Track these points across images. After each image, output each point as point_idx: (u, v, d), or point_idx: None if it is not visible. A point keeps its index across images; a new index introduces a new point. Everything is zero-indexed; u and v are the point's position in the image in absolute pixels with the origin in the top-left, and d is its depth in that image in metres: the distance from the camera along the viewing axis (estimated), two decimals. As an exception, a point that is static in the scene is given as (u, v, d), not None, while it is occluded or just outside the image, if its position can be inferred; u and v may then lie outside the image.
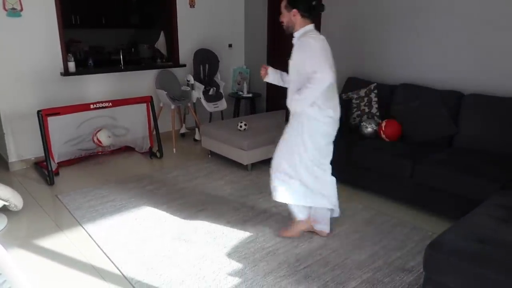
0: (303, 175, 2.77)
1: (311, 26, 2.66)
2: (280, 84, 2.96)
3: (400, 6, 4.14)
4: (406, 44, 4.15)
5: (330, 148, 2.82)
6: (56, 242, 2.91)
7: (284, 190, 2.83)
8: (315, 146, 2.71)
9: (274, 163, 2.87)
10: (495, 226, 2.08)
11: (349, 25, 4.62)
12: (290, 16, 2.64)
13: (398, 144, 3.60)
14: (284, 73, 2.91)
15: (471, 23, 3.64)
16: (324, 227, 2.97)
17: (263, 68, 2.94)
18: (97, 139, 4.43)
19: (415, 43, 4.06)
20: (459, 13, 3.71)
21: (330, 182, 2.86)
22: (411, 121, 3.70)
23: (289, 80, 2.76)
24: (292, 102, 2.64)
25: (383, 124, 3.73)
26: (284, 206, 3.44)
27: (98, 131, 4.47)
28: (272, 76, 2.95)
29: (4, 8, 3.92)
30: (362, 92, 4.18)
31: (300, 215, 2.95)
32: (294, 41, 2.67)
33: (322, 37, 2.65)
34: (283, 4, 2.66)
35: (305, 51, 2.56)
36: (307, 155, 2.72)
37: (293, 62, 2.67)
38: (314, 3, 2.62)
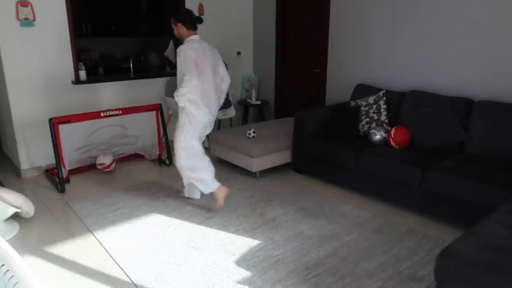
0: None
1: (195, 36, 3.39)
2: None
3: (408, 13, 4.14)
4: (414, 51, 4.15)
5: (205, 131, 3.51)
6: (67, 249, 2.94)
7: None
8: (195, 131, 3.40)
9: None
10: (507, 234, 2.06)
11: (357, 33, 4.63)
12: (178, 29, 3.36)
13: (408, 151, 3.58)
14: None
15: (480, 29, 3.63)
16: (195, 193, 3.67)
17: None
18: (100, 164, 4.41)
19: (424, 50, 4.06)
20: (467, 19, 3.70)
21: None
22: (421, 128, 3.68)
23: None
24: (175, 98, 3.29)
25: (392, 131, 3.72)
26: (293, 214, 3.44)
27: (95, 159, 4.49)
28: None
29: (18, 18, 4.00)
30: (371, 99, 4.17)
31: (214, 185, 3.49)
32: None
33: (205, 45, 3.38)
34: (172, 20, 3.37)
35: (179, 56, 3.24)
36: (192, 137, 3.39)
37: (177, 65, 3.30)
38: (193, 17, 3.38)
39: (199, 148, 3.46)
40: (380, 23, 4.37)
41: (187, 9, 3.61)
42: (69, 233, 3.16)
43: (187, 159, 3.44)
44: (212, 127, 3.58)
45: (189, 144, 3.40)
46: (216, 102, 3.49)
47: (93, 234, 3.13)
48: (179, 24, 3.34)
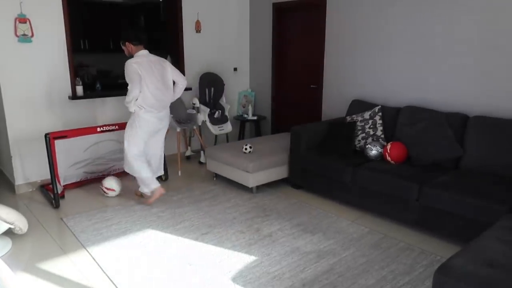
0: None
1: (143, 51, 3.78)
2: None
3: (403, 30, 4.20)
4: (409, 67, 4.19)
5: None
6: (60, 265, 2.89)
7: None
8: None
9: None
10: (505, 250, 2.05)
11: (352, 49, 4.69)
12: (127, 48, 3.77)
13: (404, 167, 3.59)
14: None
15: (473, 45, 3.68)
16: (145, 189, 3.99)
17: None
18: (106, 188, 4.18)
19: (419, 66, 4.10)
20: (461, 36, 3.75)
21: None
22: (417, 143, 3.69)
23: None
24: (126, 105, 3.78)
25: (388, 146, 3.73)
26: (289, 229, 3.42)
27: (103, 179, 4.24)
28: None
29: (16, 34, 4.02)
30: (367, 115, 4.20)
31: (152, 185, 3.89)
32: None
33: (152, 58, 3.81)
34: (121, 42, 3.79)
35: (125, 70, 3.65)
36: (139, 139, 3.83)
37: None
38: (137, 32, 3.78)
39: (142, 151, 3.91)
40: (376, 40, 4.43)
41: (130, 26, 3.88)
42: (63, 249, 3.11)
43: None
44: (166, 124, 4.03)
45: (131, 147, 3.84)
46: (167, 101, 3.95)
47: (87, 250, 3.08)
48: (127, 43, 3.75)
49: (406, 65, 4.22)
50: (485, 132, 3.45)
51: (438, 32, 3.92)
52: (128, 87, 3.67)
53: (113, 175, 4.69)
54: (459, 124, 3.63)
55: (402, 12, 4.17)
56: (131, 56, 3.78)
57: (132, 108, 3.75)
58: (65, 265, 2.90)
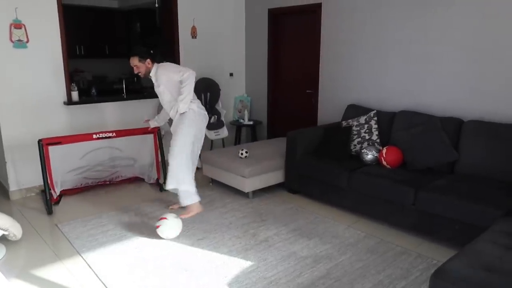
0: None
1: (156, 64, 3.72)
2: (166, 119, 4.13)
3: (398, 35, 4.23)
4: (404, 72, 4.22)
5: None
6: (55, 272, 2.86)
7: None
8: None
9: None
10: (500, 253, 2.05)
11: (348, 54, 4.71)
12: (145, 65, 3.66)
13: (400, 171, 3.60)
14: (161, 113, 4.19)
15: (468, 51, 3.71)
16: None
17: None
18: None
19: (414, 71, 4.13)
20: (456, 42, 3.78)
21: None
22: (412, 147, 3.70)
23: (165, 102, 3.79)
24: (180, 105, 3.57)
25: (384, 151, 3.74)
26: (286, 234, 3.41)
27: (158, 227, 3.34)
28: (155, 122, 4.23)
29: (11, 40, 4.01)
30: (362, 119, 4.21)
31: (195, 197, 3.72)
32: (154, 78, 3.73)
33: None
34: (136, 60, 3.65)
35: (163, 75, 3.63)
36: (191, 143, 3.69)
37: (163, 87, 3.68)
38: (152, 51, 3.72)
39: (189, 157, 3.71)
40: (371, 45, 4.46)
41: (142, 47, 3.99)
42: (58, 256, 3.09)
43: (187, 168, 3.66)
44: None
45: (187, 149, 3.65)
46: None
47: (82, 257, 3.06)
48: (148, 60, 3.66)
49: (402, 70, 4.24)
50: (479, 137, 3.47)
51: (433, 38, 3.95)
52: (185, 75, 3.53)
53: (117, 182, 4.66)
54: (454, 128, 3.65)
55: (397, 17, 4.20)
56: (148, 74, 3.74)
57: (186, 106, 3.59)
58: (59, 271, 2.87)
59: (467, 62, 3.73)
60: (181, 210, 3.80)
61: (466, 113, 3.74)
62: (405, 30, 4.15)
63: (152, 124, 4.20)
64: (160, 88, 3.72)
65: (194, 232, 3.48)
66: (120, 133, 4.30)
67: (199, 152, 3.95)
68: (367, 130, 4.13)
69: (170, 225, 3.29)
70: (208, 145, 5.72)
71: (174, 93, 3.67)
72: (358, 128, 4.18)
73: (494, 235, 2.28)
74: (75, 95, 4.51)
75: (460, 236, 2.96)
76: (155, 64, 3.70)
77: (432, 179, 3.39)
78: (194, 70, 3.59)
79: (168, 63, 3.77)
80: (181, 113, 3.63)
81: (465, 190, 3.10)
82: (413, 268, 2.88)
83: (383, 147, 3.85)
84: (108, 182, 4.65)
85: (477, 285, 1.82)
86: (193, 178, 3.78)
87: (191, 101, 3.63)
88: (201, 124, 3.76)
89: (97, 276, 2.80)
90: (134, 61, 3.67)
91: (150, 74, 3.72)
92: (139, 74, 3.73)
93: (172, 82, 3.63)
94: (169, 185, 3.64)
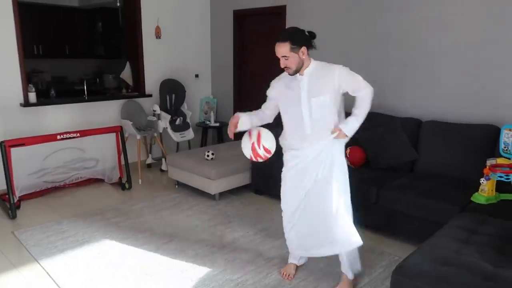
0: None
1: (312, 59, 2.47)
2: (257, 125, 2.67)
3: (361, 38, 4.33)
4: (367, 73, 4.26)
5: None
6: (11, 281, 2.73)
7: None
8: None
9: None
10: (457, 247, 2.14)
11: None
12: (299, 56, 2.36)
13: (363, 170, 3.68)
14: (257, 112, 2.70)
15: (424, 52, 3.86)
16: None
17: (232, 123, 2.59)
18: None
19: (375, 72, 4.24)
20: (413, 43, 3.93)
21: None
22: (374, 147, 3.80)
23: (313, 120, 2.44)
24: (350, 132, 2.43)
25: (348, 150, 3.81)
26: (253, 235, 3.40)
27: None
28: (245, 123, 2.61)
29: (-39, 38, 3.81)
30: (327, 120, 4.28)
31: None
32: (306, 78, 2.43)
33: None
34: (287, 47, 2.32)
35: (342, 75, 2.41)
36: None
37: (323, 98, 2.39)
38: (307, 33, 2.42)
39: None
40: (333, 46, 4.54)
41: (298, 28, 2.44)
42: (13, 265, 2.94)
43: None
44: None
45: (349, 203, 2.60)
46: None
47: (40, 265, 2.93)
48: (303, 49, 2.37)
49: (363, 71, 4.29)
50: (436, 136, 3.61)
51: (391, 39, 4.08)
52: (367, 107, 2.46)
53: (75, 183, 4.53)
54: (413, 129, 3.77)
55: (357, 20, 4.31)
56: (298, 69, 2.41)
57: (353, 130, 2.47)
58: (15, 280, 2.74)
59: (423, 63, 3.88)
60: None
61: (425, 114, 3.88)
62: (368, 33, 4.26)
63: (241, 122, 2.61)
64: (322, 98, 2.40)
65: (159, 236, 3.41)
66: (84, 133, 4.19)
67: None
68: (331, 131, 4.20)
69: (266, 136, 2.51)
70: (174, 147, 5.65)
71: (333, 107, 2.45)
72: (323, 129, 4.24)
73: (451, 230, 2.38)
74: (32, 96, 4.33)
75: (421, 232, 3.06)
76: (312, 60, 2.47)
77: (393, 177, 3.49)
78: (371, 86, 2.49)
79: (325, 63, 2.50)
80: (336, 139, 2.45)
81: (424, 188, 3.21)
82: (376, 265, 2.95)
83: (346, 147, 3.92)
84: (67, 185, 4.50)
85: (435, 278, 1.88)
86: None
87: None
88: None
89: (56, 284, 2.69)
90: (283, 49, 2.35)
91: (304, 73, 2.44)
92: (286, 70, 2.43)
93: (337, 93, 2.43)
94: (344, 248, 2.58)
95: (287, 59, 2.37)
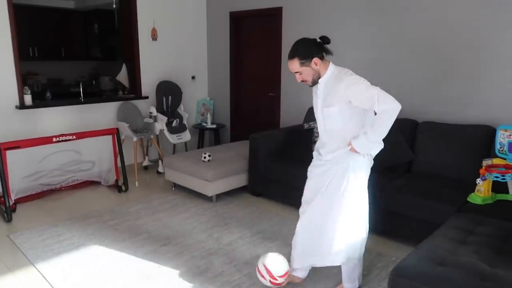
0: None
1: (332, 65, 2.41)
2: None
3: (354, 40, 4.34)
4: (362, 74, 4.31)
5: None
6: (6, 285, 2.71)
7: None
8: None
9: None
10: (453, 248, 2.14)
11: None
12: (313, 68, 2.34)
13: (360, 171, 3.68)
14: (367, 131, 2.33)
15: (420, 54, 3.88)
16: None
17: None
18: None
19: (370, 73, 4.23)
20: (409, 45, 3.94)
21: None
22: (371, 148, 3.80)
23: (328, 129, 2.44)
24: (358, 147, 2.32)
25: (345, 152, 3.82)
26: (250, 237, 3.40)
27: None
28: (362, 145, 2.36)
29: (-44, 40, 3.79)
30: (323, 122, 4.28)
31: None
32: (322, 86, 2.40)
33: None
34: (296, 64, 2.33)
35: (357, 86, 2.31)
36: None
37: (337, 108, 2.33)
38: (319, 40, 2.37)
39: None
40: (331, 48, 4.54)
41: (306, 38, 2.41)
42: (9, 268, 2.92)
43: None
44: None
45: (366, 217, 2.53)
46: None
47: (36, 268, 2.91)
48: (315, 59, 2.33)
49: (360, 72, 4.34)
50: (433, 137, 3.63)
51: (387, 39, 4.10)
52: (389, 120, 2.25)
53: (71, 186, 4.51)
54: (410, 130, 3.79)
55: (353, 22, 4.32)
56: (316, 80, 2.39)
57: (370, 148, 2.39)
58: (11, 284, 2.72)
59: (419, 64, 3.89)
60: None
61: (421, 115, 3.89)
62: (361, 34, 4.27)
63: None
64: (333, 109, 2.36)
65: (156, 238, 3.40)
66: (80, 135, 4.17)
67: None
68: (328, 132, 4.20)
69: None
70: (170, 149, 5.63)
71: (348, 119, 2.38)
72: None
73: (448, 231, 2.38)
74: (28, 98, 4.32)
75: (418, 233, 3.06)
76: (331, 66, 2.40)
77: (390, 178, 3.49)
78: (397, 103, 2.27)
79: (352, 73, 2.42)
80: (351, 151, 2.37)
81: (421, 188, 3.22)
82: (373, 266, 2.95)
83: (343, 149, 3.93)
84: (63, 188, 4.48)
85: (432, 279, 1.88)
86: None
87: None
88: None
89: (52, 287, 2.67)
90: (294, 66, 2.36)
91: (320, 81, 2.40)
92: (306, 83, 2.43)
93: (351, 106, 2.33)
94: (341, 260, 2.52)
95: (300, 74, 2.38)
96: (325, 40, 2.38)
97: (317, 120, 2.53)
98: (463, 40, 3.62)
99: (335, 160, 2.43)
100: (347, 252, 2.46)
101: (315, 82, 2.41)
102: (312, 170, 2.62)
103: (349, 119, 2.36)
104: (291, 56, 2.34)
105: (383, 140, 2.37)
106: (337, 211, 2.42)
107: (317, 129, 4.19)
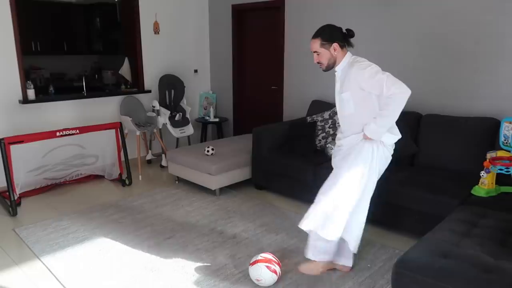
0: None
1: (350, 54, 2.59)
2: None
3: (358, 30, 4.30)
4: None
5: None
6: (13, 279, 2.73)
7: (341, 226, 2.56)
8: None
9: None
10: (457, 240, 2.15)
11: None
12: (331, 52, 2.52)
13: (363, 164, 3.68)
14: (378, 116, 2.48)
15: (424, 47, 3.85)
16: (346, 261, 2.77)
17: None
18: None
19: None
20: (413, 37, 3.91)
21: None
22: (374, 141, 3.79)
23: (344, 115, 2.63)
24: (377, 132, 2.46)
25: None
26: (253, 230, 3.41)
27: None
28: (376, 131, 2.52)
29: (-41, 35, 3.79)
30: (326, 115, 4.28)
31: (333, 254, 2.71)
32: (339, 74, 2.59)
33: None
34: (317, 43, 2.53)
35: (371, 76, 2.43)
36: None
37: (349, 94, 2.49)
38: (345, 31, 2.56)
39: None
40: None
41: (333, 25, 2.64)
42: (15, 262, 2.95)
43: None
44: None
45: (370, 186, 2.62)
46: None
47: (42, 262, 2.93)
48: (335, 45, 2.52)
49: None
50: (436, 130, 3.61)
51: (392, 32, 4.06)
52: (396, 108, 2.43)
53: (75, 180, 4.53)
54: (413, 122, 3.77)
55: (357, 15, 4.29)
56: (331, 66, 2.58)
57: (380, 133, 2.51)
58: (17, 277, 2.74)
59: (423, 57, 3.86)
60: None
61: (425, 107, 3.87)
62: (365, 25, 4.24)
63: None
64: (345, 95, 2.54)
65: (160, 231, 3.42)
66: (83, 130, 4.19)
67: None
68: (331, 125, 4.20)
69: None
70: (174, 143, 5.65)
71: (361, 105, 2.52)
72: (323, 123, 4.24)
73: (451, 223, 2.38)
74: (31, 93, 4.32)
75: (421, 225, 3.06)
76: (348, 55, 2.58)
77: (394, 171, 3.47)
78: (405, 88, 2.46)
79: (365, 61, 2.56)
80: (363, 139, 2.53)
81: (424, 181, 3.21)
82: (377, 259, 2.96)
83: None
84: (67, 182, 4.50)
85: (436, 271, 1.89)
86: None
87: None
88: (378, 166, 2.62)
89: (58, 280, 2.70)
90: (314, 45, 2.56)
91: (335, 69, 2.59)
92: (320, 65, 2.61)
93: (364, 92, 2.48)
94: (335, 234, 2.57)
95: (318, 54, 2.56)
96: (350, 33, 2.58)
97: (336, 107, 2.72)
98: (468, 33, 3.58)
99: (350, 145, 2.60)
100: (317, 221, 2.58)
101: (329, 68, 2.59)
102: (334, 161, 2.83)
103: (362, 105, 2.50)
104: (315, 35, 2.56)
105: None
106: (336, 180, 2.58)
107: (320, 122, 4.21)
